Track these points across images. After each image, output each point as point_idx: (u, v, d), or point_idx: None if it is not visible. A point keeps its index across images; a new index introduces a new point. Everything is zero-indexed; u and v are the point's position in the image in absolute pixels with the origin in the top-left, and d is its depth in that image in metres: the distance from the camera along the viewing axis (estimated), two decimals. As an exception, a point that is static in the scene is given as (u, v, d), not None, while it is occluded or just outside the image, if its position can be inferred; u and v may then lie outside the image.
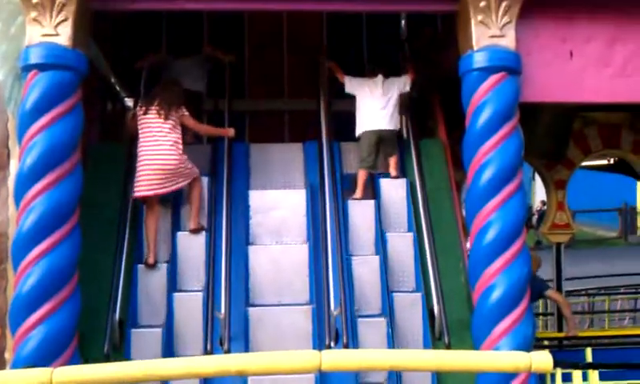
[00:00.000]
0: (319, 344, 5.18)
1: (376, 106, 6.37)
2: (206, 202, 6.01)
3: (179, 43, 7.41)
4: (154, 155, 5.70)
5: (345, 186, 6.30)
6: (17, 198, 4.76)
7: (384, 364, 3.60)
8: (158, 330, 5.39)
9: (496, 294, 4.78)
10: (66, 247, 4.67)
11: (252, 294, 5.65)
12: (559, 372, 4.32)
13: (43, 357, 4.38)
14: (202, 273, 5.67)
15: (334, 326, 5.11)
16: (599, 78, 5.34)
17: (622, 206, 20.55)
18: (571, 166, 9.20)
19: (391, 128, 6.38)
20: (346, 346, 4.90)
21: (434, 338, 5.45)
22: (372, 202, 6.15)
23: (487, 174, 4.98)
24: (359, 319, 5.52)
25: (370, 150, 6.33)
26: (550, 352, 3.23)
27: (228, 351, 4.99)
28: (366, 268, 5.77)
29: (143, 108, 5.85)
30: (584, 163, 9.64)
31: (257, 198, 6.08)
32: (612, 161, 10.43)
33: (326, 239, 5.65)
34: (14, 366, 4.42)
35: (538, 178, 11.93)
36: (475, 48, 5.07)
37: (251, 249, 5.82)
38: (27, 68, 4.86)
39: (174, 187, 5.77)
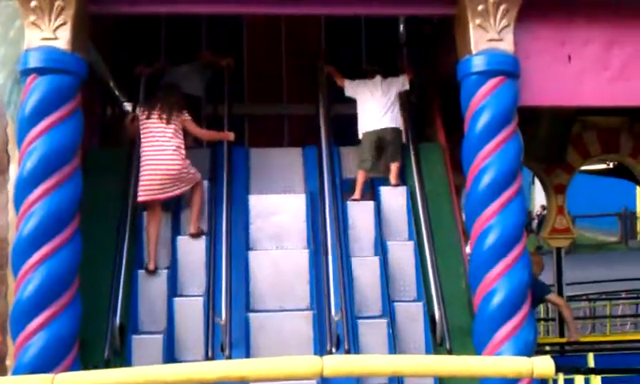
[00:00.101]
0: (320, 350, 5.18)
1: (377, 106, 6.38)
2: (206, 206, 6.01)
3: (178, 47, 7.41)
4: (157, 160, 5.70)
5: (345, 190, 6.30)
6: (17, 202, 4.74)
7: (386, 369, 3.59)
8: (159, 336, 5.38)
9: (497, 299, 4.77)
10: (67, 252, 4.65)
11: (253, 300, 5.65)
12: (561, 377, 4.32)
13: (44, 363, 4.36)
14: (202, 277, 5.67)
15: (335, 331, 5.10)
16: (598, 82, 5.34)
17: (622, 210, 20.57)
18: (571, 171, 9.20)
19: (394, 126, 6.37)
20: (348, 352, 4.90)
21: (436, 344, 5.44)
22: (371, 203, 6.14)
23: (486, 179, 4.97)
24: (360, 320, 5.51)
25: (371, 151, 6.33)
26: (552, 357, 3.22)
27: (229, 357, 4.98)
28: (366, 269, 5.77)
29: (145, 112, 5.85)
30: (583, 168, 9.64)
31: (257, 203, 6.08)
32: (611, 165, 10.44)
33: (326, 244, 5.65)
34: (16, 372, 4.40)
35: (537, 183, 11.92)
36: (473, 52, 5.07)
37: (251, 254, 5.82)
38: (26, 72, 4.85)
39: (177, 192, 5.77)
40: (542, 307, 11.03)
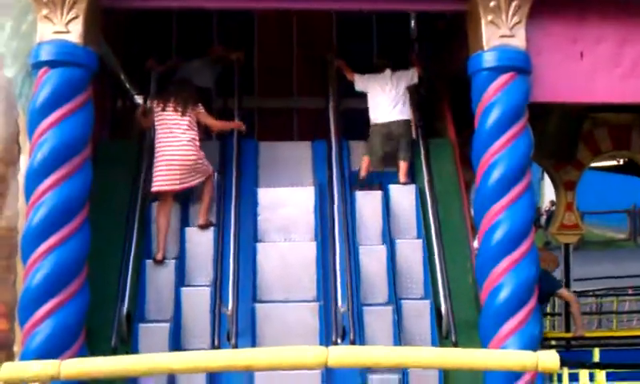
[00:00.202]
0: (326, 340, 5.18)
1: (387, 100, 6.41)
2: (215, 198, 6.04)
3: (189, 41, 7.43)
4: (172, 151, 5.76)
5: (353, 183, 6.30)
6: (27, 192, 4.79)
7: (391, 361, 3.58)
8: (166, 325, 5.41)
9: (504, 294, 4.78)
10: (76, 242, 4.70)
11: (259, 291, 5.68)
12: (566, 372, 4.32)
13: (51, 350, 4.40)
14: (209, 268, 5.69)
15: (340, 322, 5.12)
16: (609, 79, 5.34)
17: (631, 207, 20.45)
18: (580, 167, 9.17)
19: (403, 118, 6.39)
20: (353, 343, 4.92)
21: (441, 337, 5.45)
22: (379, 192, 6.17)
23: (496, 174, 4.98)
24: (365, 308, 5.54)
25: (381, 145, 6.35)
26: (558, 352, 3.22)
27: (235, 346, 5.01)
28: (372, 259, 5.80)
29: (161, 104, 5.91)
30: (593, 164, 9.60)
31: (265, 195, 6.11)
32: (621, 162, 10.38)
33: (334, 237, 5.66)
34: (23, 358, 4.43)
35: (546, 178, 11.88)
36: (485, 48, 5.08)
37: (259, 245, 5.85)
38: (38, 65, 4.89)
39: (193, 183, 5.83)
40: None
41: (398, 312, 5.52)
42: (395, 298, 5.63)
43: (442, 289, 5.57)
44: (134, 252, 5.62)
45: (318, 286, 5.67)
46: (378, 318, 5.49)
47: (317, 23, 7.86)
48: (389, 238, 5.95)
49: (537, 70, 5.15)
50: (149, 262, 5.70)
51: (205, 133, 6.49)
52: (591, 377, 4.31)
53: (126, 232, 5.69)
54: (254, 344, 5.28)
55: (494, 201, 4.98)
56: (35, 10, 4.93)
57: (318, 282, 5.68)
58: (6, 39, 5.60)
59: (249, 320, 5.38)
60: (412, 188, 6.24)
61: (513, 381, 4.52)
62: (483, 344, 4.83)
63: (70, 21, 4.90)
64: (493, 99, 5.02)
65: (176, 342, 5.37)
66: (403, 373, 5.14)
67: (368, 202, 6.11)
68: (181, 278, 5.69)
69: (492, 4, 5.04)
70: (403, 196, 6.20)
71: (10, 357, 5.09)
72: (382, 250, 5.85)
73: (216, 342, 5.11)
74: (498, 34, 5.09)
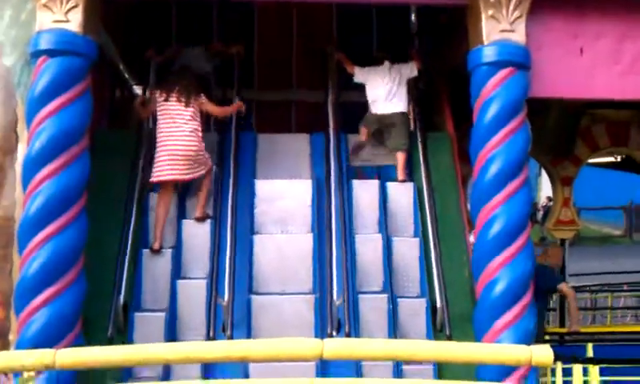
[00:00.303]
0: (321, 333, 5.21)
1: (385, 92, 6.44)
2: (213, 191, 6.04)
3: (188, 31, 7.41)
4: (175, 141, 5.75)
5: (351, 177, 6.30)
6: (24, 181, 4.80)
7: (385, 354, 3.62)
8: (162, 315, 5.42)
9: (499, 288, 4.80)
10: (72, 231, 4.71)
11: (256, 283, 5.68)
12: (560, 366, 4.33)
13: (47, 339, 4.41)
14: (206, 260, 5.69)
15: (336, 315, 5.13)
16: (609, 75, 5.36)
17: (628, 204, 20.44)
18: (578, 163, 9.18)
19: (400, 110, 6.41)
20: (348, 336, 4.93)
21: (436, 330, 5.46)
22: (376, 181, 6.19)
23: (494, 169, 4.99)
24: (360, 295, 5.56)
25: (374, 125, 6.44)
26: (552, 347, 3.24)
27: (230, 338, 5.01)
28: (368, 247, 5.82)
29: (164, 94, 5.90)
30: (591, 160, 9.61)
31: (263, 188, 6.10)
32: (619, 158, 10.40)
33: (331, 230, 5.67)
34: (18, 347, 4.45)
35: (544, 174, 11.88)
36: (485, 42, 5.09)
37: (256, 237, 5.85)
38: (37, 53, 4.89)
39: (196, 174, 5.83)
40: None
41: (394, 310, 5.51)
42: (390, 287, 5.65)
43: (438, 282, 5.59)
44: (131, 241, 5.62)
45: (314, 278, 5.67)
46: (372, 306, 5.51)
47: (317, 15, 7.84)
48: (385, 231, 5.95)
49: (536, 66, 5.15)
50: (145, 251, 5.71)
51: (204, 124, 6.48)
52: (585, 372, 4.33)
53: (124, 221, 5.68)
54: (249, 336, 5.28)
55: (491, 195, 4.99)
56: (35, -1, 4.90)
57: (314, 275, 5.68)
58: (5, 27, 5.60)
59: (244, 312, 5.39)
60: (410, 186, 6.23)
61: (506, 374, 4.54)
62: (477, 338, 4.84)
63: (69, 10, 4.89)
64: (492, 94, 5.02)
65: (171, 333, 5.38)
66: (398, 367, 5.15)
67: (364, 192, 6.12)
68: (177, 270, 5.70)
69: (493, -1, 5.04)
70: (401, 193, 6.19)
71: (5, 345, 5.10)
72: (378, 238, 5.86)
73: (211, 334, 5.12)
74: (499, 28, 5.09)
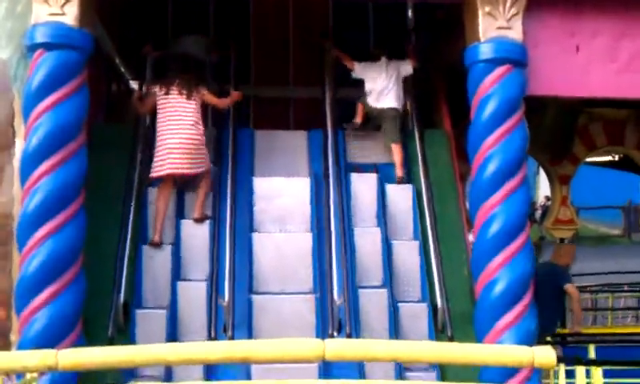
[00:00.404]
0: (322, 333, 5.20)
1: (380, 87, 6.48)
2: (211, 190, 6.00)
3: (185, 26, 7.36)
4: (178, 134, 5.72)
5: (349, 168, 6.30)
6: (22, 177, 4.76)
7: (388, 355, 3.58)
8: (163, 312, 5.40)
9: (499, 288, 4.79)
10: (72, 228, 4.67)
11: (256, 282, 5.66)
12: (562, 368, 4.32)
13: (49, 339, 4.38)
14: (205, 261, 5.66)
15: (337, 315, 5.12)
16: (605, 73, 5.35)
17: (627, 203, 20.46)
18: (576, 162, 9.19)
19: (393, 106, 6.45)
20: (349, 336, 4.93)
21: (437, 331, 5.46)
22: (374, 175, 6.19)
23: (491, 167, 4.98)
24: (360, 290, 5.55)
25: (370, 114, 6.51)
26: (554, 348, 3.23)
27: (232, 338, 4.99)
28: (367, 239, 5.81)
29: (164, 88, 5.86)
30: (589, 159, 9.62)
31: (261, 185, 6.09)
32: (617, 158, 10.40)
33: (330, 229, 5.65)
34: (20, 347, 4.42)
35: (542, 173, 11.87)
36: (482, 39, 5.07)
37: (255, 236, 5.83)
38: (33, 47, 4.84)
39: (197, 170, 5.78)
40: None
41: (395, 314, 5.49)
42: (390, 283, 5.64)
43: (438, 283, 5.59)
44: (130, 238, 5.59)
45: (314, 277, 5.66)
46: (372, 301, 5.50)
47: (313, 11, 7.80)
48: (384, 226, 5.94)
49: (533, 63, 5.14)
50: (145, 247, 5.67)
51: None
52: (588, 373, 4.32)
53: (122, 217, 5.65)
54: (250, 336, 5.26)
55: (489, 194, 4.98)
56: (30, -9, 4.85)
57: (314, 274, 5.67)
58: (0, 19, 5.54)
59: (245, 312, 5.37)
60: (409, 188, 6.21)
61: (509, 376, 4.54)
62: (479, 339, 4.83)
63: (65, 3, 4.84)
64: (489, 91, 5.01)
65: (173, 331, 5.36)
66: (400, 368, 5.14)
67: (363, 185, 6.13)
68: (177, 271, 5.66)
69: (490, -5, 5.02)
70: (400, 196, 6.17)
71: (6, 345, 5.07)
72: (377, 232, 5.86)
73: (212, 334, 5.11)
74: (495, 25, 5.07)
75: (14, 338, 4.99)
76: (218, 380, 4.74)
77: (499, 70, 5.00)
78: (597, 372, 4.21)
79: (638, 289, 12.78)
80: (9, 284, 5.13)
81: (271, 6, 7.73)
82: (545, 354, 3.34)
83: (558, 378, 4.34)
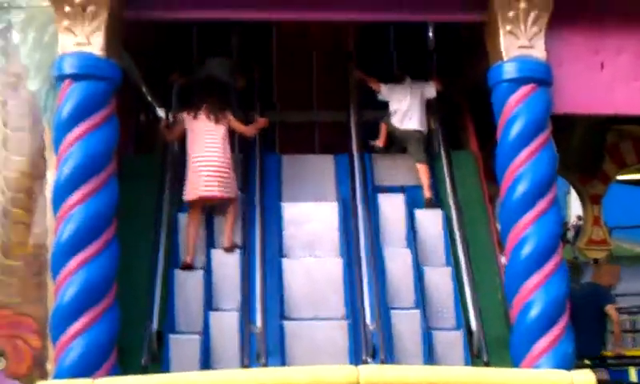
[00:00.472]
0: (356, 359, 5.12)
1: (403, 109, 6.49)
2: (240, 214, 6.01)
3: (209, 53, 7.43)
4: (208, 157, 5.77)
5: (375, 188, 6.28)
6: (55, 207, 4.79)
7: (423, 381, 3.58)
8: (196, 337, 5.39)
9: (535, 311, 4.71)
10: (105, 258, 4.69)
11: (287, 308, 5.63)
12: (601, 391, 4.25)
13: (85, 368, 4.40)
14: (237, 288, 5.63)
15: (370, 341, 5.08)
16: (630, 90, 5.30)
17: (662, 222, 20.10)
18: (607, 180, 9.06)
19: (417, 128, 6.46)
20: (383, 362, 4.86)
21: (473, 356, 5.38)
22: (401, 195, 6.18)
23: (521, 188, 4.93)
24: (392, 311, 5.51)
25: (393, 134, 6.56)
26: (597, 371, 3.16)
27: (265, 366, 4.94)
28: (398, 261, 5.78)
29: (192, 113, 5.93)
30: (620, 177, 9.46)
31: (290, 210, 6.08)
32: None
33: (359, 254, 5.63)
34: (57, 376, 4.43)
35: (573, 192, 11.73)
36: (504, 58, 5.05)
37: (285, 261, 5.81)
38: (61, 77, 4.89)
39: (228, 194, 5.80)
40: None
41: (429, 341, 5.42)
42: (422, 303, 5.60)
43: (472, 307, 5.52)
44: (162, 265, 5.62)
45: (346, 302, 5.61)
46: (405, 322, 5.45)
47: (336, 34, 7.84)
48: (414, 246, 5.91)
49: (557, 81, 5.11)
50: (177, 271, 5.69)
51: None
52: (628, 397, 4.25)
53: (154, 244, 5.68)
54: (283, 363, 5.22)
55: (520, 215, 4.92)
56: (56, 21, 4.93)
57: (346, 299, 5.62)
58: (29, 50, 5.64)
59: (277, 338, 5.34)
60: (439, 214, 6.15)
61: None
62: (515, 363, 4.73)
63: (91, 32, 4.89)
64: (514, 111, 4.98)
65: (206, 358, 5.32)
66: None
67: (390, 206, 6.12)
68: (209, 298, 5.64)
69: (510, 14, 5.01)
70: (430, 223, 6.11)
71: (43, 375, 5.07)
72: (407, 253, 5.83)
73: (245, 362, 5.06)
74: (517, 44, 5.06)
75: (50, 367, 5.00)
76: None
77: (524, 89, 4.98)
78: (638, 395, 4.13)
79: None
80: (44, 313, 5.16)
81: (294, 31, 7.79)
82: (584, 378, 3.31)
83: (597, 403, 4.26)
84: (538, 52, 5.03)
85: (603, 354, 7.25)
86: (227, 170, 5.81)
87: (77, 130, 4.78)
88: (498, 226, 5.42)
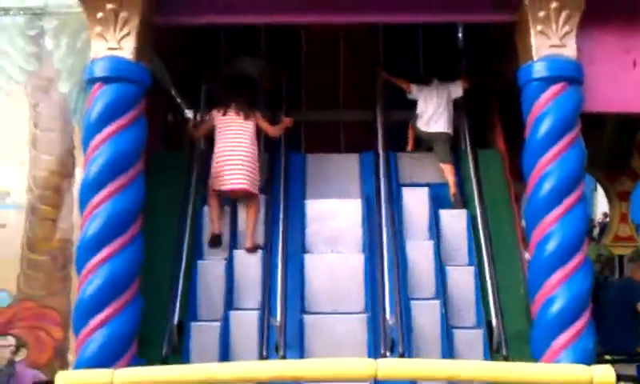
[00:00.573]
0: (374, 353, 5.13)
1: (430, 111, 6.50)
2: (263, 211, 6.07)
3: (237, 52, 7.52)
4: (238, 151, 5.85)
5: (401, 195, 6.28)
6: (81, 204, 4.89)
7: (441, 374, 3.57)
8: (217, 325, 5.45)
9: (557, 306, 4.69)
10: (129, 253, 4.78)
11: (307, 302, 5.67)
12: (622, 388, 4.20)
13: (105, 359, 4.48)
14: (258, 287, 5.69)
15: (389, 335, 5.08)
16: (662, 89, 5.24)
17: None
18: (635, 177, 8.96)
19: (443, 130, 6.46)
20: (402, 356, 4.88)
21: (492, 350, 5.36)
22: (425, 188, 6.20)
23: (548, 185, 4.91)
24: (412, 302, 5.53)
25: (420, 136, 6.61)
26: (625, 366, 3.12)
27: (283, 358, 5.00)
28: (420, 252, 5.80)
29: (221, 110, 6.02)
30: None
31: (313, 207, 6.12)
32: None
33: (382, 250, 5.63)
34: (77, 367, 4.52)
35: (599, 190, 11.59)
36: (535, 58, 5.03)
37: (307, 257, 5.85)
38: (92, 81, 5.00)
39: (254, 189, 5.88)
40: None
41: (449, 337, 5.41)
42: (443, 293, 5.61)
43: (493, 302, 5.49)
44: (186, 258, 5.70)
45: (366, 297, 5.63)
46: (425, 314, 5.46)
47: (364, 35, 7.87)
48: (437, 238, 5.92)
49: (589, 80, 5.08)
50: (200, 263, 5.78)
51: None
52: (650, 394, 4.18)
53: (178, 239, 5.76)
54: (302, 356, 5.26)
55: (546, 212, 4.90)
56: (89, 28, 5.04)
57: (366, 294, 5.64)
58: (62, 55, 5.82)
59: (297, 331, 5.37)
60: (463, 214, 6.13)
61: (567, 396, 4.41)
62: (535, 358, 4.72)
63: (122, 37, 4.99)
64: (544, 109, 4.97)
65: (225, 346, 5.38)
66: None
67: (414, 200, 6.15)
68: (229, 298, 5.68)
69: (541, 14, 5.00)
70: (455, 223, 6.09)
71: (64, 365, 5.21)
72: (429, 245, 5.84)
73: (264, 353, 5.12)
74: (548, 43, 5.04)
75: (71, 357, 5.13)
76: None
77: (554, 88, 4.96)
78: (659, 392, 4.06)
79: None
80: (67, 306, 5.29)
81: (321, 32, 7.84)
82: (604, 373, 3.26)
83: (619, 399, 4.20)
84: (569, 51, 5.01)
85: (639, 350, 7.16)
86: (253, 165, 5.88)
87: (106, 131, 4.89)
88: (523, 224, 5.39)
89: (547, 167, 4.92)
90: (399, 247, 5.70)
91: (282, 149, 6.49)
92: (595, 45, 5.16)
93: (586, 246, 4.91)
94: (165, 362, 4.99)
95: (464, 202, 6.29)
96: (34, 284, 5.47)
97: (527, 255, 5.40)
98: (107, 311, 4.62)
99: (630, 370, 5.57)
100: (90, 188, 4.84)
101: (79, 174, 5.42)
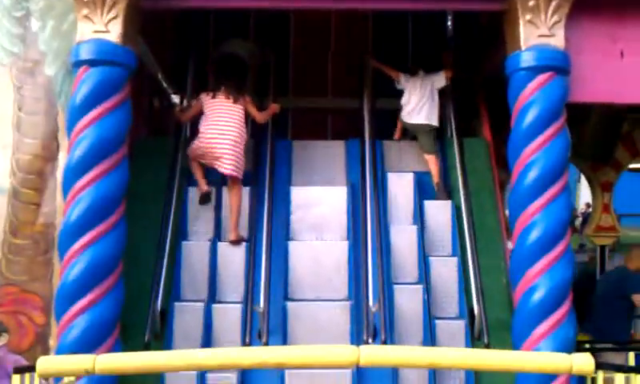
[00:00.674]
0: (357, 340, 5.18)
1: (414, 102, 6.47)
2: (248, 201, 6.06)
3: (225, 38, 7.49)
4: (227, 134, 5.81)
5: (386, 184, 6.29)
6: (65, 189, 4.86)
7: (422, 361, 3.57)
8: (201, 305, 5.47)
9: (538, 295, 4.72)
10: (112, 238, 4.76)
11: (291, 289, 5.68)
12: (601, 375, 4.23)
13: (86, 344, 4.47)
14: (241, 277, 5.70)
15: (372, 322, 5.10)
16: (650, 79, 5.24)
17: (671, 210, 19.86)
18: (619, 168, 9.03)
19: (426, 122, 6.43)
20: (384, 343, 4.91)
21: (474, 338, 5.40)
22: (410, 174, 6.21)
23: (532, 174, 4.92)
24: (395, 286, 5.57)
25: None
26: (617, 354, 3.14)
27: (266, 344, 5.03)
28: (404, 238, 5.84)
29: (210, 93, 5.98)
30: (632, 165, 9.40)
31: (298, 194, 6.12)
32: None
33: (366, 237, 5.64)
34: (59, 352, 4.52)
35: (583, 180, 11.67)
36: (523, 47, 5.03)
37: (291, 244, 5.86)
38: (78, 63, 4.96)
39: (239, 174, 5.86)
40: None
41: (431, 335, 5.44)
42: (426, 282, 5.63)
43: (475, 291, 5.52)
44: (169, 243, 5.69)
45: (350, 285, 5.65)
46: (407, 296, 5.49)
47: (353, 22, 7.85)
48: (420, 223, 5.95)
49: (576, 70, 5.09)
50: (185, 243, 5.79)
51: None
52: (627, 381, 4.22)
53: (163, 217, 5.75)
54: (284, 342, 5.28)
55: (529, 201, 4.92)
56: (76, 10, 5.00)
57: (350, 281, 5.66)
58: (47, 38, 5.75)
59: (280, 318, 5.39)
60: (448, 204, 6.15)
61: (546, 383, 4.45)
62: (516, 346, 4.77)
63: (109, 20, 4.96)
64: (530, 99, 4.97)
65: (207, 338, 5.39)
66: (434, 376, 5.10)
67: (399, 185, 6.18)
68: (212, 292, 5.69)
69: (531, 3, 4.99)
70: (440, 213, 6.11)
71: (45, 350, 5.20)
72: (413, 229, 5.87)
73: (247, 340, 5.13)
74: (537, 33, 5.03)
75: (52, 342, 5.12)
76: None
77: (541, 78, 4.96)
78: (637, 379, 4.09)
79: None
80: (49, 291, 5.27)
81: (311, 18, 7.80)
82: (583, 361, 3.28)
83: (596, 385, 4.24)
84: (558, 41, 5.01)
85: (633, 338, 7.23)
86: (241, 150, 5.85)
87: (90, 115, 4.86)
88: (507, 213, 5.41)
89: (532, 156, 4.92)
90: (383, 233, 5.72)
91: (268, 135, 6.46)
92: (583, 35, 5.16)
93: (568, 235, 4.94)
94: (147, 347, 4.99)
95: (448, 191, 6.30)
96: (15, 269, 5.45)
97: (510, 244, 5.44)
98: (90, 296, 4.61)
99: (620, 358, 5.61)
100: (74, 172, 4.82)
101: (63, 158, 5.39)
